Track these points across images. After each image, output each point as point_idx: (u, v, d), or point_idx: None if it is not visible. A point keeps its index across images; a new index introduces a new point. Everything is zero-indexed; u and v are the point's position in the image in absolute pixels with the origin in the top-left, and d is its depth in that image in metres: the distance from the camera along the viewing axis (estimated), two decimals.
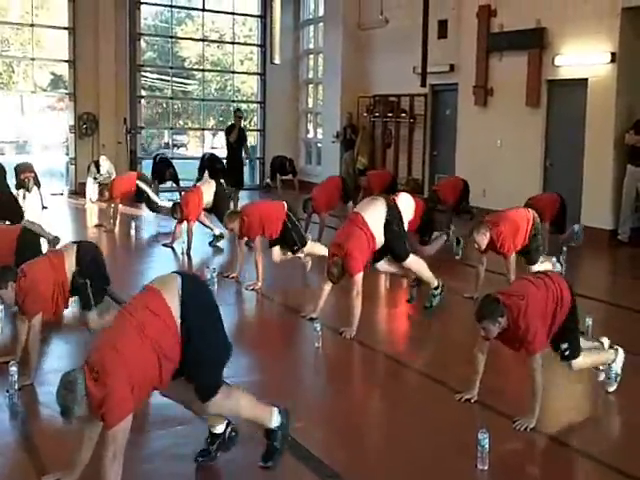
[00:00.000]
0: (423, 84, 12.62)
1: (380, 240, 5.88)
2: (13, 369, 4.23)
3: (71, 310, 5.45)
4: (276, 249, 7.41)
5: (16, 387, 4.23)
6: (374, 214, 5.90)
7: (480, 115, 12.04)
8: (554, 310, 4.12)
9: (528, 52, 10.97)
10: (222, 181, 13.71)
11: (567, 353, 4.22)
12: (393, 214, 5.97)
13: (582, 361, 4.28)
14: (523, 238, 6.56)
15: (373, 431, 4.29)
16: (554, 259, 7.14)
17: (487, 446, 3.52)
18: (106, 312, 5.09)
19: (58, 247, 6.87)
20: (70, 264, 4.84)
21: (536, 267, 6.66)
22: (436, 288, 6.30)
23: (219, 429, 3.56)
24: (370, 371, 5.29)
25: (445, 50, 12.60)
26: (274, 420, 3.44)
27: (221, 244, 9.34)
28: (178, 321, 3.13)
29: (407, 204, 7.76)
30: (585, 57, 10.22)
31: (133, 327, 3.10)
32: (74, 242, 5.22)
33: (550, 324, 4.11)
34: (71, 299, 5.05)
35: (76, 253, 4.90)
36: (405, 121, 13.99)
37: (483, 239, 6.40)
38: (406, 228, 7.63)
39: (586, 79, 10.26)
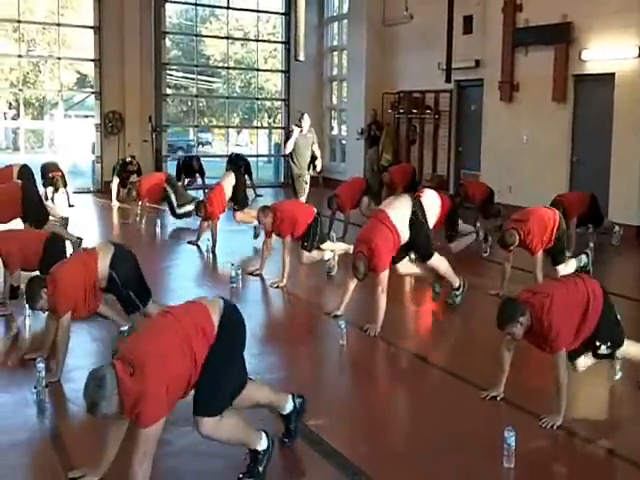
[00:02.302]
0: (448, 80, 12.52)
1: (405, 236, 5.87)
2: (40, 366, 4.28)
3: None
4: (305, 252, 7.42)
5: (43, 384, 4.27)
6: (399, 210, 5.90)
7: (506, 111, 11.93)
8: (584, 311, 4.06)
9: (554, 47, 10.85)
10: (246, 176, 13.87)
11: (609, 352, 4.23)
12: (418, 210, 5.98)
13: (627, 349, 4.29)
14: (549, 238, 6.51)
15: (397, 428, 4.27)
16: (582, 255, 7.06)
17: (513, 444, 3.50)
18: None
19: (87, 246, 6.96)
20: (104, 265, 4.82)
21: (561, 267, 6.60)
22: (457, 288, 6.30)
23: (288, 408, 3.67)
24: (394, 368, 5.28)
25: (470, 45, 12.50)
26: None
27: (250, 243, 9.31)
28: (215, 334, 3.18)
29: (432, 201, 7.74)
30: (612, 51, 10.07)
31: (175, 331, 3.12)
32: (112, 243, 5.17)
33: (580, 325, 4.06)
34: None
35: (112, 255, 4.88)
36: (430, 117, 13.91)
37: (512, 246, 6.44)
38: (432, 225, 7.66)
39: (613, 74, 10.12)
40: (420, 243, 6.02)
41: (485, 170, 12.14)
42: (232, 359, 3.30)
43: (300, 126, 10.14)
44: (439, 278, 6.41)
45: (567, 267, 6.66)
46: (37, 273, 5.55)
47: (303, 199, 9.74)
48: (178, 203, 10.68)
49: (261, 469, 3.39)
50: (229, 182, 9.55)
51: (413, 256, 6.48)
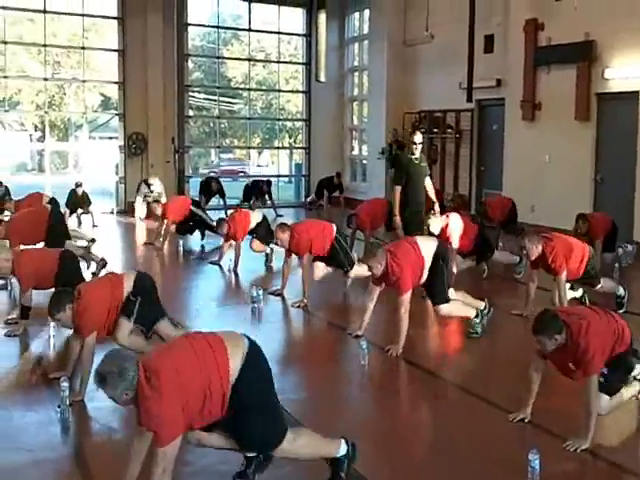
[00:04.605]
0: (469, 99, 12.54)
1: (426, 273, 5.79)
2: (64, 385, 4.32)
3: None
4: (319, 264, 7.41)
5: (67, 402, 4.31)
6: (426, 245, 5.85)
7: (528, 130, 11.88)
8: (613, 344, 4.00)
9: (577, 65, 10.81)
10: (266, 196, 13.95)
11: (602, 382, 4.03)
12: (442, 257, 5.86)
13: (608, 405, 4.10)
14: (577, 266, 6.36)
15: (420, 450, 4.22)
16: (619, 286, 6.94)
17: (538, 467, 3.44)
18: (139, 336, 5.02)
19: (106, 270, 7.03)
20: (128, 287, 4.91)
21: (599, 287, 6.52)
22: (476, 316, 6.10)
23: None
24: (417, 389, 5.22)
25: (491, 65, 12.51)
26: (340, 450, 3.45)
27: (273, 264, 9.30)
28: (234, 377, 3.14)
29: (456, 225, 7.76)
30: (636, 69, 10.01)
31: (194, 356, 3.14)
32: (135, 270, 5.26)
33: (608, 357, 3.99)
34: None
35: (135, 278, 4.97)
36: (451, 137, 13.91)
37: (534, 249, 6.29)
38: (456, 246, 7.65)
39: (637, 92, 10.05)
40: (436, 285, 5.86)
41: (507, 189, 12.06)
42: (263, 392, 3.27)
43: (412, 152, 7.82)
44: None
45: (605, 286, 6.58)
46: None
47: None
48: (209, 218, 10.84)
49: (342, 474, 3.41)
50: (256, 216, 9.43)
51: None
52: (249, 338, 3.33)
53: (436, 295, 5.90)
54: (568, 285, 6.53)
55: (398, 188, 7.72)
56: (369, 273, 7.26)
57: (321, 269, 7.46)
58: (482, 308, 6.15)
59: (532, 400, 4.24)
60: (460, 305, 6.08)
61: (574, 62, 10.83)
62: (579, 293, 6.77)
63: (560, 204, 10.79)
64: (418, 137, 7.89)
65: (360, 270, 7.39)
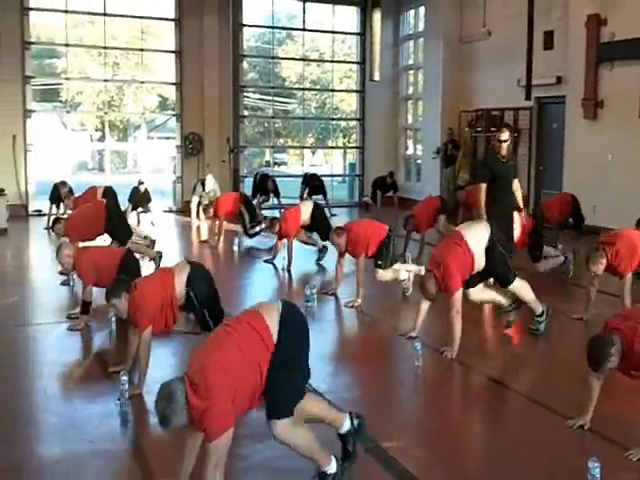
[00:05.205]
0: (528, 97, 12.28)
1: (480, 262, 5.69)
2: (124, 379, 4.43)
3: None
4: (380, 270, 7.37)
5: (126, 396, 4.41)
6: (475, 235, 5.73)
7: (590, 129, 11.57)
8: None
9: None
10: (320, 196, 13.95)
11: None
12: (496, 239, 5.77)
13: None
14: (639, 261, 6.23)
15: (473, 453, 4.15)
16: None
17: (598, 476, 3.35)
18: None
19: (165, 263, 7.13)
20: (181, 283, 4.95)
21: None
22: (540, 315, 6.03)
23: (345, 427, 3.54)
24: (471, 392, 5.14)
25: (551, 61, 12.23)
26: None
27: (324, 262, 9.34)
28: (275, 340, 3.21)
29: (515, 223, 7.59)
30: None
31: (235, 342, 3.18)
32: (188, 262, 5.27)
33: None
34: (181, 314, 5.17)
35: (188, 274, 5.00)
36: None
37: (599, 267, 6.12)
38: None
39: None
40: (498, 270, 5.82)
41: (567, 190, 11.73)
42: (296, 360, 3.31)
43: (498, 151, 7.23)
44: (515, 307, 6.07)
45: None
46: None
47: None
48: (250, 223, 10.88)
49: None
50: (307, 208, 9.48)
51: (491, 280, 6.23)
52: (283, 300, 3.43)
53: (501, 278, 5.93)
54: None
55: (483, 186, 7.21)
56: (395, 277, 7.29)
57: (383, 274, 7.40)
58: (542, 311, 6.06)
59: (592, 407, 4.12)
60: (529, 290, 5.97)
61: (639, 58, 10.49)
62: None
63: (623, 205, 10.45)
64: (505, 135, 7.30)
65: (388, 274, 7.35)
